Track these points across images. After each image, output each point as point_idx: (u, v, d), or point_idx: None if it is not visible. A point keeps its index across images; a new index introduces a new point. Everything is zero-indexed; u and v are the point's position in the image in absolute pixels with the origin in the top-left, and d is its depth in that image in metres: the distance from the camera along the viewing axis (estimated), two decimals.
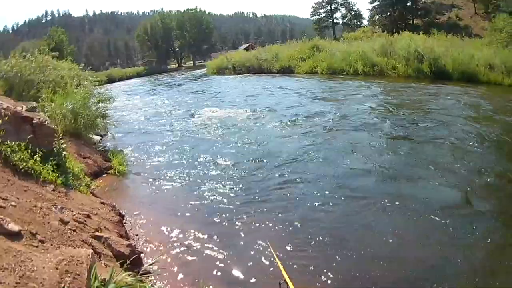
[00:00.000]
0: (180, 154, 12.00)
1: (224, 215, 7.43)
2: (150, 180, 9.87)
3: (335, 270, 5.45)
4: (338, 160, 10.22)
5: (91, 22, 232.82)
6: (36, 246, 3.88)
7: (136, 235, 6.76)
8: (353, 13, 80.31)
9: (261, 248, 6.08)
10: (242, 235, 6.63)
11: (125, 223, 7.16)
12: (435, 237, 6.21)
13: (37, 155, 6.42)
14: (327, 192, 8.25)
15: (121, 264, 4.76)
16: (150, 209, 8.03)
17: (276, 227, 6.83)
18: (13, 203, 4.66)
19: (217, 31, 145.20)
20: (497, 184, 8.25)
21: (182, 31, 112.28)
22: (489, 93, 19.52)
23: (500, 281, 5.09)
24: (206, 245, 6.31)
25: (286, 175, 9.43)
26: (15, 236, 3.77)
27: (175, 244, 6.41)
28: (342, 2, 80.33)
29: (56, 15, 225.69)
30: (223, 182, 9.20)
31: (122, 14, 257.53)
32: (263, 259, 5.81)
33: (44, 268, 3.33)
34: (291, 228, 6.81)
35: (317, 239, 6.31)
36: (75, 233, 4.96)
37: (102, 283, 3.73)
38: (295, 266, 5.58)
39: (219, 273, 5.57)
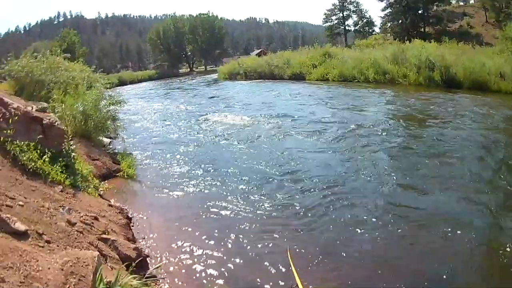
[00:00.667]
0: (191, 160, 11.92)
1: (234, 223, 7.34)
2: (159, 184, 9.82)
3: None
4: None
5: (103, 24, 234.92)
6: (42, 247, 3.87)
7: (143, 238, 6.72)
8: (365, 21, 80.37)
9: (273, 258, 5.99)
10: (253, 244, 6.51)
11: (132, 226, 7.14)
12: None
13: (46, 156, 6.45)
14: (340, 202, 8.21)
15: (127, 267, 4.75)
16: (158, 213, 7.99)
17: (293, 237, 6.76)
18: (20, 203, 4.66)
19: (229, 36, 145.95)
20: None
21: (194, 36, 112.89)
22: (499, 102, 19.37)
23: None
24: (214, 251, 6.23)
25: (294, 184, 9.34)
26: (21, 235, 3.77)
27: (183, 249, 6.36)
28: (354, 9, 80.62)
29: (69, 17, 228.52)
30: (235, 190, 9.08)
31: (135, 17, 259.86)
32: (273, 268, 5.71)
33: (49, 268, 3.32)
34: (306, 238, 6.77)
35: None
36: (82, 234, 4.95)
37: (108, 286, 3.72)
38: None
39: (226, 280, 5.51)
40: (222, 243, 6.51)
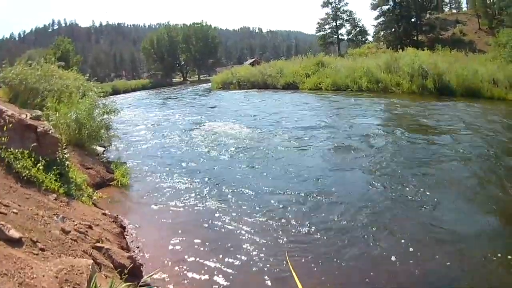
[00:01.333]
0: (185, 169, 11.92)
1: (228, 232, 7.34)
2: (153, 193, 9.80)
3: None
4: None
5: (98, 32, 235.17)
6: (37, 254, 3.86)
7: (137, 247, 6.71)
8: (358, 29, 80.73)
9: (268, 265, 6.00)
10: (247, 252, 6.51)
11: (126, 235, 7.12)
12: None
13: (40, 164, 6.45)
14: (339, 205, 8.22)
15: (121, 275, 4.74)
16: (152, 222, 7.99)
17: (289, 243, 6.77)
18: (14, 210, 4.66)
19: (222, 46, 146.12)
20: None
21: (188, 45, 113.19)
22: (493, 109, 19.54)
23: None
24: (207, 260, 6.22)
25: (283, 189, 9.39)
26: (15, 243, 3.76)
27: (176, 257, 6.35)
28: (347, 18, 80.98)
29: (63, 25, 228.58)
30: (229, 199, 9.09)
31: (129, 26, 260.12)
32: (266, 276, 5.72)
33: (43, 276, 3.31)
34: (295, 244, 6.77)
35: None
36: (76, 243, 4.94)
37: None
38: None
39: (218, 285, 5.51)
40: (215, 252, 6.50)
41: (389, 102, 24.03)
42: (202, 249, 6.64)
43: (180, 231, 7.42)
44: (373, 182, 9.54)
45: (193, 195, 9.50)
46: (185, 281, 5.65)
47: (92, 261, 4.03)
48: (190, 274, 5.82)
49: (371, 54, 50.62)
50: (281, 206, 8.43)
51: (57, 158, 7.30)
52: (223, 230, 7.42)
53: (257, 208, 8.39)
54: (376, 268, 5.81)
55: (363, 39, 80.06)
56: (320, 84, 35.47)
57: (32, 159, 6.34)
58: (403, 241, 6.53)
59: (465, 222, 7.26)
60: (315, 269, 5.82)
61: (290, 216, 7.82)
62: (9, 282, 2.97)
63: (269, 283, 5.56)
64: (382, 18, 64.16)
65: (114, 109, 13.26)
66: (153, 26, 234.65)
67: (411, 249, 6.25)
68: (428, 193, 8.63)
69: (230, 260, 6.20)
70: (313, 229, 7.16)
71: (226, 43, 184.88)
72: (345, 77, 33.44)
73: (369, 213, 7.76)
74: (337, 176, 10.33)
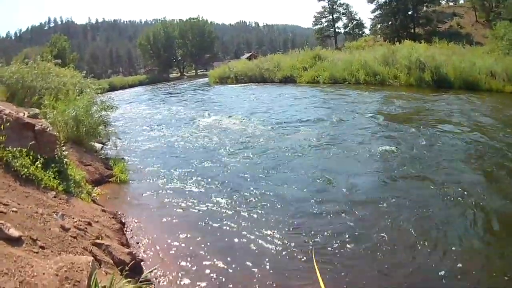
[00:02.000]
0: (184, 165, 11.90)
1: (227, 227, 7.34)
2: (152, 189, 9.80)
3: None
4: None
5: (94, 29, 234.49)
6: (37, 252, 3.87)
7: (137, 243, 6.71)
8: (354, 23, 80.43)
9: (264, 262, 6.02)
10: (246, 247, 6.54)
11: (126, 231, 7.13)
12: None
13: (38, 162, 6.45)
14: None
15: (121, 272, 4.74)
16: (151, 218, 7.99)
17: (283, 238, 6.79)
18: (14, 209, 4.66)
19: (219, 40, 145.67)
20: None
21: (184, 40, 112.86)
22: (491, 101, 19.59)
23: None
24: (208, 255, 6.24)
25: (287, 184, 9.42)
26: (15, 241, 3.77)
27: (177, 253, 6.37)
28: (344, 11, 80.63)
29: (59, 22, 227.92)
30: (228, 194, 9.07)
31: (125, 22, 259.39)
32: (266, 273, 5.75)
33: (44, 274, 3.32)
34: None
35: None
36: (75, 240, 4.95)
37: None
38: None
39: (220, 283, 5.51)
40: (215, 247, 6.52)
41: (388, 95, 24.01)
42: (202, 244, 6.64)
43: (180, 226, 7.44)
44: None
45: (192, 190, 9.52)
46: (186, 276, 5.65)
47: (92, 258, 4.04)
48: (190, 269, 5.84)
49: (368, 47, 50.49)
50: (285, 202, 8.40)
51: (56, 155, 7.30)
52: (223, 225, 7.42)
53: (259, 204, 8.37)
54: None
55: (360, 32, 79.83)
56: (317, 78, 35.39)
57: (31, 157, 6.34)
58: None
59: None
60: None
61: (297, 215, 7.74)
62: (10, 281, 2.98)
63: (267, 280, 5.57)
64: (379, 11, 63.82)
65: (112, 106, 13.24)
66: (150, 22, 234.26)
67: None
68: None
69: (230, 256, 6.21)
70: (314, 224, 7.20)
71: (223, 37, 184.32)
72: (342, 70, 33.36)
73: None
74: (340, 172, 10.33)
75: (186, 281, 5.54)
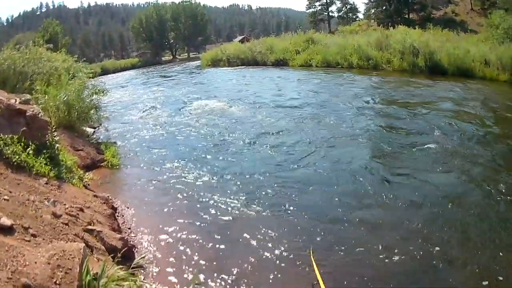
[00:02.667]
0: (176, 149, 11.94)
1: (219, 212, 7.38)
2: (144, 173, 9.84)
3: None
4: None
5: (86, 13, 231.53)
6: (29, 241, 3.89)
7: (129, 228, 6.75)
8: (348, 7, 79.93)
9: (257, 247, 6.09)
10: (238, 232, 6.56)
11: (117, 216, 7.15)
12: None
13: (30, 148, 6.44)
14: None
15: (113, 258, 4.77)
16: (143, 203, 8.01)
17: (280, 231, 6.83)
18: (5, 197, 4.66)
19: (212, 23, 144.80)
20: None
21: (176, 23, 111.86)
22: (485, 88, 19.66)
23: None
24: (200, 240, 6.29)
25: (284, 172, 9.46)
26: (7, 230, 3.78)
27: (169, 238, 6.41)
28: None
29: (51, 7, 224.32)
30: (220, 179, 9.10)
31: (117, 6, 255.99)
32: (260, 259, 5.80)
33: (36, 263, 3.34)
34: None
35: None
36: (67, 226, 4.97)
37: (94, 277, 3.74)
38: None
39: (212, 268, 5.54)
40: (208, 232, 6.57)
41: (379, 79, 24.05)
42: (194, 229, 6.70)
43: (172, 212, 7.49)
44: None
45: (185, 174, 9.53)
46: (178, 262, 5.70)
47: (84, 244, 4.05)
48: (182, 255, 5.88)
49: (362, 31, 50.38)
50: (278, 189, 8.39)
51: (47, 141, 7.29)
52: (215, 210, 7.46)
53: (254, 190, 8.38)
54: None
55: (354, 17, 79.40)
56: (310, 61, 35.18)
57: (22, 144, 6.32)
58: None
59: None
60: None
61: (293, 206, 7.61)
62: (2, 271, 3.00)
63: (264, 272, 5.61)
64: None
65: (103, 89, 13.21)
66: (142, 5, 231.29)
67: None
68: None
69: (223, 241, 6.26)
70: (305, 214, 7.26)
71: (215, 20, 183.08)
72: (335, 54, 33.17)
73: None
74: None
75: (178, 266, 5.58)
